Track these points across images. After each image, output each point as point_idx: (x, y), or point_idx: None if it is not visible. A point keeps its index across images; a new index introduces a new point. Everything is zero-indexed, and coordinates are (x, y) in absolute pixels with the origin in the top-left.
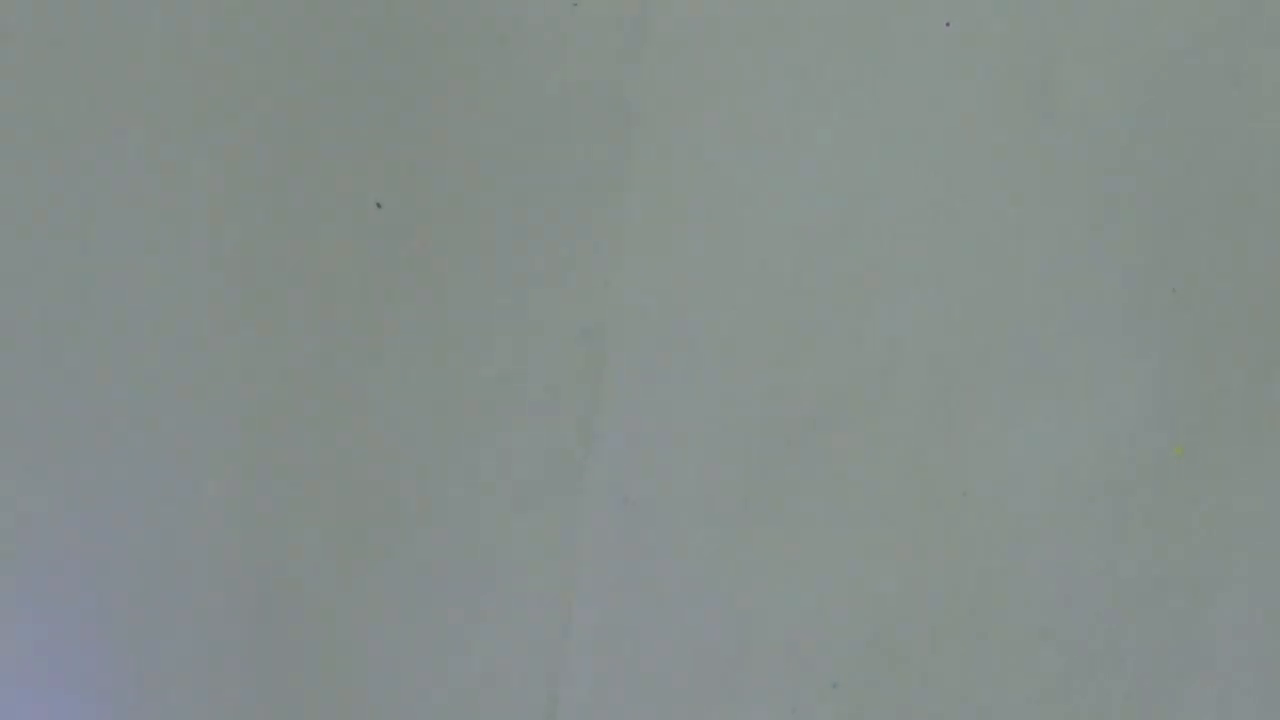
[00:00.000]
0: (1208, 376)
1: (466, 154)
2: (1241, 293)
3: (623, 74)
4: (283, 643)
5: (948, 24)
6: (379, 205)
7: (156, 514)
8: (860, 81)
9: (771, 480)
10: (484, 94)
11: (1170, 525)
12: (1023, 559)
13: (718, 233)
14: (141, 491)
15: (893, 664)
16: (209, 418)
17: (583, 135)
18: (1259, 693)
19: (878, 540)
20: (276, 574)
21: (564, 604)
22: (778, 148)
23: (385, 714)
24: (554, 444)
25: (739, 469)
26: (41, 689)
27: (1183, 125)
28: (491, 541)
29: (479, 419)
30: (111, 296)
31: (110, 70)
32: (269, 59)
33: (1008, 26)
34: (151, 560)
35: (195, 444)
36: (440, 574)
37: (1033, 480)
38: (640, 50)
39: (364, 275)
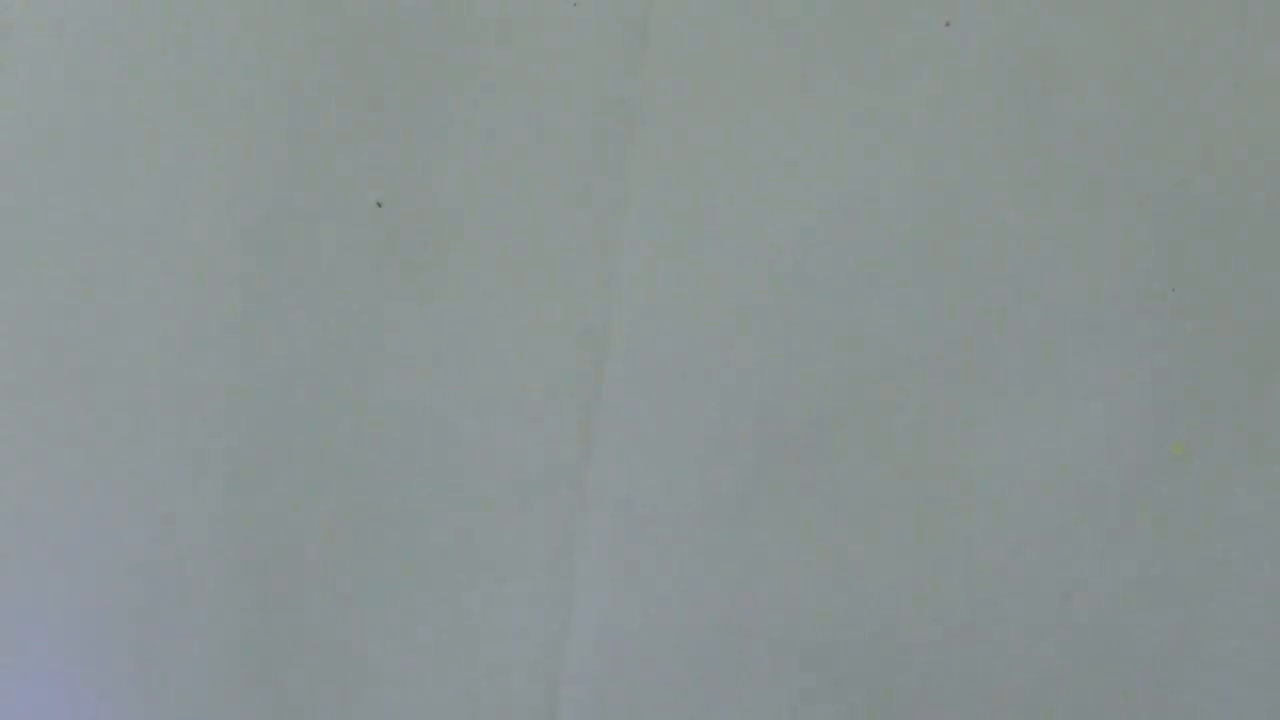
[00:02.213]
0: (1208, 376)
1: (466, 154)
2: (1241, 293)
3: (623, 74)
4: (283, 643)
5: (948, 24)
6: (379, 205)
7: (156, 513)
8: (860, 81)
9: (771, 480)
10: (484, 94)
11: (1170, 525)
12: (1023, 559)
13: (717, 232)
14: (142, 491)
15: (893, 664)
16: (209, 418)
17: (583, 135)
18: (1259, 693)
19: (878, 540)
20: (276, 574)
21: (564, 604)
22: (778, 147)
23: (386, 714)
24: (554, 444)
25: (739, 469)
26: (42, 688)
27: (1182, 125)
28: (491, 541)
29: (479, 419)
30: (112, 296)
31: (112, 70)
32: (270, 59)
33: (1008, 26)
34: (152, 560)
35: (195, 444)
36: (441, 574)
37: (1033, 480)
38: (640, 50)
39: (364, 275)
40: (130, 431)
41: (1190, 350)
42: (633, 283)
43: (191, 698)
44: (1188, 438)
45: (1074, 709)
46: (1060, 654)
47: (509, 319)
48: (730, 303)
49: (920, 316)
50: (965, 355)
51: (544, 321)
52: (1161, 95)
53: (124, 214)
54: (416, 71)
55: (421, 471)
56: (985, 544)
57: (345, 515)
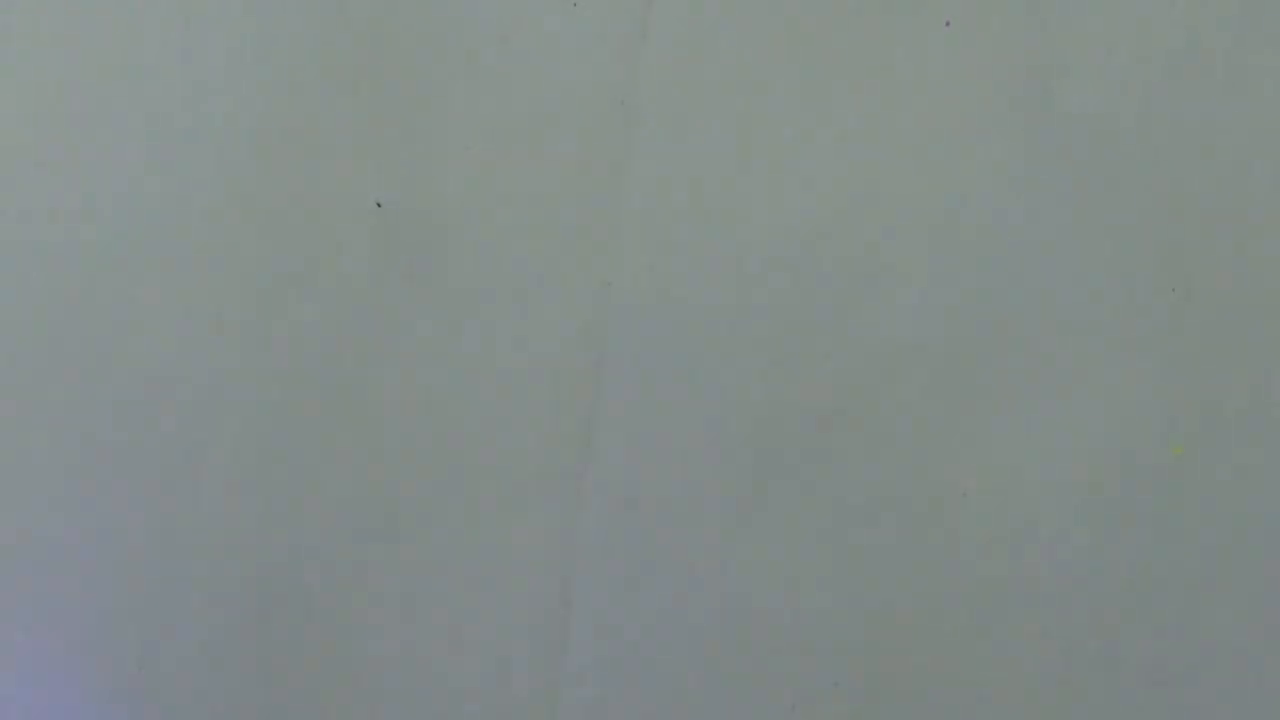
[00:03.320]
0: (1208, 376)
1: (466, 154)
2: (1241, 293)
3: (623, 74)
4: (283, 643)
5: (948, 24)
6: (379, 205)
7: (158, 514)
8: (860, 81)
9: (771, 480)
10: (484, 94)
11: (1170, 525)
12: (1023, 559)
13: (717, 232)
14: (143, 491)
15: (893, 664)
16: (209, 418)
17: (583, 135)
18: (1259, 693)
19: (878, 540)
20: (276, 574)
21: (564, 604)
22: (777, 147)
23: (385, 713)
24: (554, 444)
25: (739, 469)
26: (42, 688)
27: (1182, 125)
28: (491, 541)
29: (479, 419)
30: (112, 295)
31: (113, 70)
32: (270, 59)
33: (1008, 26)
34: (153, 560)
35: (196, 444)
36: (441, 574)
37: (1033, 480)
38: (640, 50)
39: (363, 275)
40: (130, 431)
41: (1191, 350)
42: (633, 283)
43: (191, 698)
44: (1188, 438)
45: (1074, 709)
46: (1060, 654)
47: (509, 319)
48: (730, 303)
49: (920, 317)
50: (965, 355)
51: (544, 321)
52: (1161, 95)
53: (124, 214)
54: (416, 71)
55: (421, 471)
56: (985, 544)
57: (345, 515)
